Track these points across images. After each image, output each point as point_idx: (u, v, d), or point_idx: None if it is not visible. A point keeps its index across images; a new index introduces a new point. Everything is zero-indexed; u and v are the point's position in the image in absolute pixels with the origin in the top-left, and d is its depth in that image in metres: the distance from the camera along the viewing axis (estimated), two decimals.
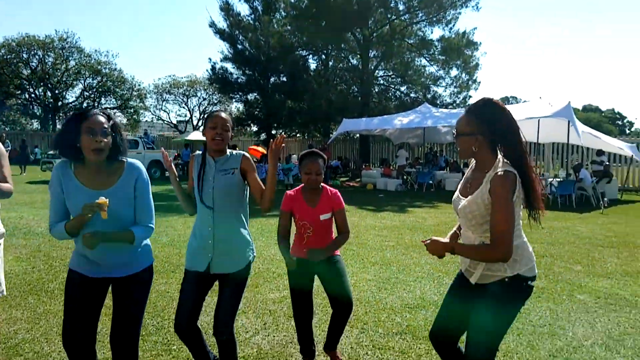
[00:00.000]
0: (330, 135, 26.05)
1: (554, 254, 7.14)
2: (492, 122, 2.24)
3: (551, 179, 15.67)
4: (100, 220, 2.31)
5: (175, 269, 5.92)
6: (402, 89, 28.87)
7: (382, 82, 29.25)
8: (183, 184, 3.00)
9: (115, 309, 2.57)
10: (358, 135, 27.26)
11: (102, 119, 2.38)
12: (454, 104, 27.15)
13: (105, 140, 2.36)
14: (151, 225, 2.55)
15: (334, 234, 3.31)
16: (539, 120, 15.57)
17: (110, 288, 2.59)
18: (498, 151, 2.29)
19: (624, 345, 3.85)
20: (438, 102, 26.86)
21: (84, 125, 2.33)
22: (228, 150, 2.91)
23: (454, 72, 27.44)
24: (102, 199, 2.27)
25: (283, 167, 20.57)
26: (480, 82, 27.63)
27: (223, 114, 2.85)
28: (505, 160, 2.25)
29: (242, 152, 2.97)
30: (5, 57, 36.99)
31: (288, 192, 3.29)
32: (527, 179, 2.23)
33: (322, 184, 3.23)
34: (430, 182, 18.53)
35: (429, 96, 27.05)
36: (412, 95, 28.13)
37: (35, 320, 4.13)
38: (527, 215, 2.31)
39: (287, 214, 3.24)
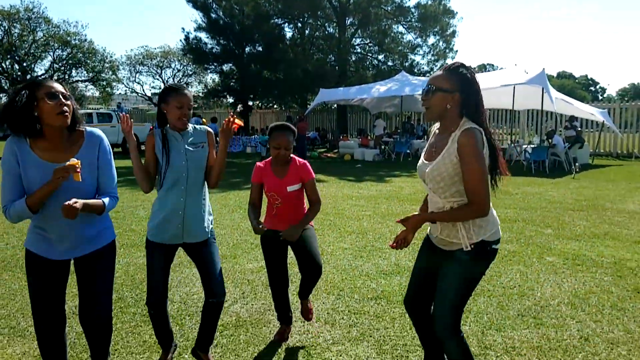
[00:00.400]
0: (308, 106, 25.90)
1: (526, 219, 7.32)
2: (469, 84, 2.27)
3: (525, 146, 15.93)
4: (62, 191, 2.21)
5: None
6: (380, 57, 28.72)
7: (359, 50, 29.03)
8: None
9: (83, 288, 2.48)
10: (335, 105, 27.17)
11: (57, 84, 2.24)
12: (432, 72, 27.16)
13: (68, 103, 2.24)
14: (116, 194, 2.46)
15: (306, 202, 3.32)
16: (514, 87, 15.74)
17: (73, 268, 2.50)
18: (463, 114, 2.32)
19: (589, 303, 4.02)
20: (416, 70, 26.85)
21: (41, 92, 2.18)
22: (190, 125, 2.89)
23: (431, 39, 27.43)
24: (74, 160, 2.13)
25: (261, 140, 20.46)
26: (457, 51, 27.77)
27: (188, 92, 2.82)
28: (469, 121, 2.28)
29: (205, 127, 2.98)
30: None
31: (258, 163, 3.30)
32: (490, 144, 2.28)
33: (291, 155, 3.23)
34: (408, 151, 18.69)
35: (406, 64, 26.97)
36: (390, 63, 28.01)
37: (11, 297, 4.12)
38: (490, 180, 2.33)
39: (258, 186, 3.25)
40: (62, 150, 2.29)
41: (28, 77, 38.68)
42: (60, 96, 2.20)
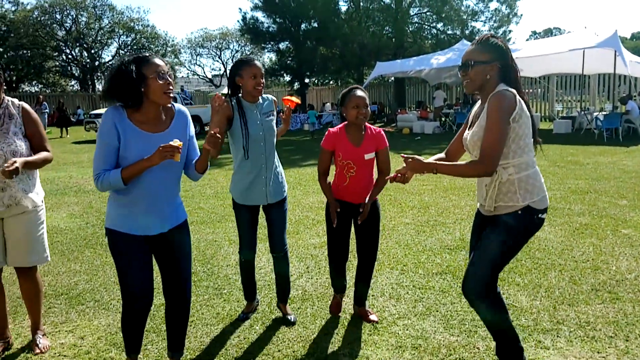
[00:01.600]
0: (364, 80, 25.59)
1: (598, 190, 6.98)
2: (504, 52, 2.33)
3: (596, 113, 15.08)
4: (156, 166, 2.29)
5: (221, 219, 6.13)
6: (439, 26, 27.79)
7: (416, 20, 28.19)
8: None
9: (166, 264, 2.57)
10: (393, 78, 26.67)
11: (163, 62, 2.33)
12: None
13: (173, 82, 2.37)
14: None
15: (374, 173, 3.25)
16: (584, 51, 14.87)
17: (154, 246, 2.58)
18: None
19: None
20: (477, 37, 25.78)
21: (150, 70, 2.26)
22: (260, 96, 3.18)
23: (493, 5, 26.33)
24: (178, 142, 2.21)
25: (310, 116, 20.38)
26: (521, 15, 26.32)
27: (259, 63, 3.07)
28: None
29: (271, 96, 3.29)
30: (39, 18, 37.38)
31: (331, 129, 3.20)
32: (527, 108, 2.30)
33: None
34: None
35: (467, 32, 25.99)
36: (449, 32, 27.09)
37: (94, 272, 4.42)
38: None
39: (329, 153, 3.17)
40: (157, 122, 2.40)
41: (96, 63, 40.52)
42: (167, 76, 2.30)
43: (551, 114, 21.66)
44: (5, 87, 3.04)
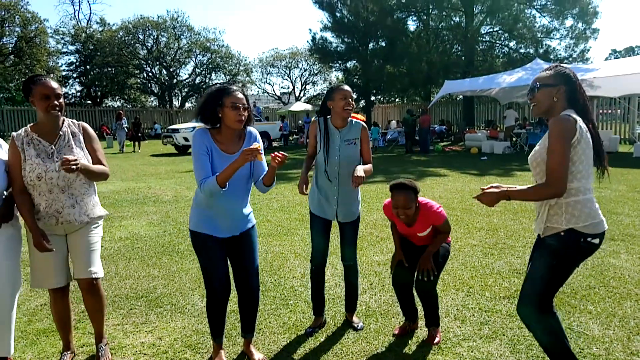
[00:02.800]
0: (432, 98, 25.35)
1: None
2: (571, 78, 2.41)
3: None
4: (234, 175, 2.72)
5: (287, 232, 6.32)
6: (511, 44, 27.12)
7: (487, 39, 27.64)
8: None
9: (238, 262, 3.02)
10: (461, 96, 26.25)
11: (242, 95, 2.78)
12: (570, 58, 24.98)
13: (245, 113, 2.78)
14: None
15: None
16: None
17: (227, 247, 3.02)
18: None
19: None
20: (552, 56, 24.92)
21: (229, 100, 2.73)
22: (349, 120, 3.36)
23: (569, 22, 25.22)
24: (257, 144, 2.60)
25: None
26: (599, 31, 25.11)
27: (348, 87, 3.30)
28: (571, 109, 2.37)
29: (360, 122, 3.41)
30: (123, 38, 40.06)
31: (386, 202, 3.31)
32: (594, 134, 2.35)
33: (419, 200, 3.15)
34: None
35: (541, 51, 25.18)
36: (522, 50, 26.36)
37: (170, 277, 4.70)
38: (596, 171, 2.42)
39: (392, 221, 3.43)
40: (232, 144, 2.87)
41: (174, 81, 42.71)
42: (241, 108, 2.75)
43: (631, 136, 20.45)
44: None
